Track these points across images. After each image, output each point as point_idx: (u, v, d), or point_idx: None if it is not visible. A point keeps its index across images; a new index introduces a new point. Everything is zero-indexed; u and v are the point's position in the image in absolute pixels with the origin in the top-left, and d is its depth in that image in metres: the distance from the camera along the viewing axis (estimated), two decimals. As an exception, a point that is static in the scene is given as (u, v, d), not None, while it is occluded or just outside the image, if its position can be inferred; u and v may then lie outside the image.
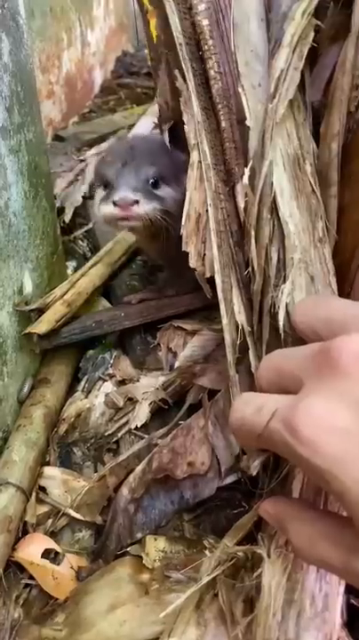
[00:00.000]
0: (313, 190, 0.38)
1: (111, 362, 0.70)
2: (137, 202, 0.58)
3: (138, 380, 0.67)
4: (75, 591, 0.50)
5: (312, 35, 0.38)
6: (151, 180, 0.60)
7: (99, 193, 0.63)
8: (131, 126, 1.27)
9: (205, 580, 0.37)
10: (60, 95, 1.36)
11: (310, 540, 0.29)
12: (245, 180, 0.39)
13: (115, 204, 0.58)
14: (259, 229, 0.39)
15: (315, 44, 0.41)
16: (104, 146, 1.15)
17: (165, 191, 0.60)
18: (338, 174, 0.39)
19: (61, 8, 1.35)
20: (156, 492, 0.57)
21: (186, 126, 0.43)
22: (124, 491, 0.57)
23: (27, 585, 0.52)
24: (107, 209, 0.59)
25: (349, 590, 0.50)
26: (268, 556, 0.33)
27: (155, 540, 0.53)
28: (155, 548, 0.52)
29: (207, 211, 0.41)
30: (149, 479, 0.57)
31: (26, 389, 0.64)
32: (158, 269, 0.78)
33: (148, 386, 0.65)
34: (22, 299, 0.63)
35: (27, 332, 0.62)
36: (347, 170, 0.41)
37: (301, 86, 0.40)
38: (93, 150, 1.12)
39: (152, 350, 0.71)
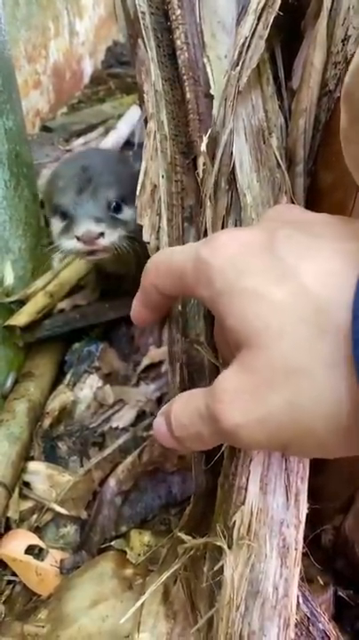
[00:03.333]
0: (278, 164, 0.37)
1: (97, 354, 0.69)
2: (102, 234, 0.52)
3: (136, 385, 0.66)
4: (59, 587, 0.49)
5: (278, 3, 0.37)
6: (113, 205, 0.54)
7: (56, 223, 0.56)
8: (119, 116, 1.25)
9: (164, 576, 0.36)
10: (48, 85, 1.34)
11: (183, 402, 0.29)
12: (203, 147, 0.38)
13: (78, 238, 0.52)
14: (217, 200, 0.38)
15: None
16: (92, 136, 1.13)
17: (128, 213, 0.55)
18: (304, 152, 0.37)
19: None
20: (144, 486, 0.56)
21: (145, 95, 0.41)
22: (112, 482, 0.56)
23: (10, 582, 0.52)
24: (71, 244, 0.53)
25: (338, 582, 0.50)
26: (229, 547, 0.31)
27: (140, 533, 0.52)
28: (140, 542, 0.52)
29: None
30: (139, 472, 0.56)
31: (9, 383, 0.63)
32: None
33: (144, 393, 0.64)
34: (3, 290, 0.62)
35: (6, 324, 0.60)
36: (328, 150, 0.39)
37: (272, 61, 0.39)
38: (81, 140, 1.11)
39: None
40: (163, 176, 0.41)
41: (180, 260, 0.30)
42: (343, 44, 0.38)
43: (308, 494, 0.35)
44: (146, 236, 0.41)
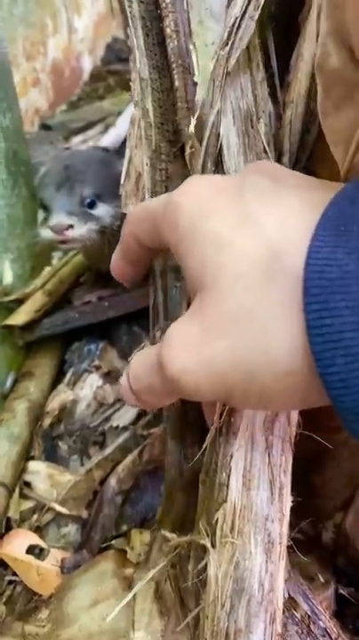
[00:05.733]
0: (264, 150, 0.37)
1: (97, 353, 0.68)
2: (71, 226, 0.58)
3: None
4: (59, 587, 0.49)
5: None
6: (87, 201, 0.60)
7: (40, 214, 0.63)
8: (119, 112, 1.24)
9: (151, 573, 0.36)
10: (47, 83, 1.34)
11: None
12: (191, 129, 0.38)
13: (50, 229, 0.58)
14: None
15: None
16: (91, 133, 1.13)
17: (103, 209, 0.60)
18: (290, 144, 0.37)
19: (45, -7, 1.32)
20: (145, 485, 0.56)
21: (131, 83, 0.42)
22: (112, 481, 0.56)
23: (10, 581, 0.52)
24: (46, 233, 0.59)
25: (339, 580, 0.50)
26: (213, 545, 0.31)
27: (141, 533, 0.52)
28: (141, 541, 0.51)
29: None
30: (139, 471, 0.56)
31: (9, 383, 0.63)
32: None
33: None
34: (2, 290, 0.62)
35: (4, 324, 0.60)
36: (323, 144, 0.39)
37: (264, 49, 0.38)
38: (80, 138, 1.10)
39: (138, 340, 0.69)
40: (147, 164, 0.41)
41: (155, 204, 0.30)
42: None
43: (309, 491, 0.34)
44: None
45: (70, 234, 0.58)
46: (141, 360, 0.29)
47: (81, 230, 0.58)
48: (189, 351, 0.25)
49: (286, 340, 0.23)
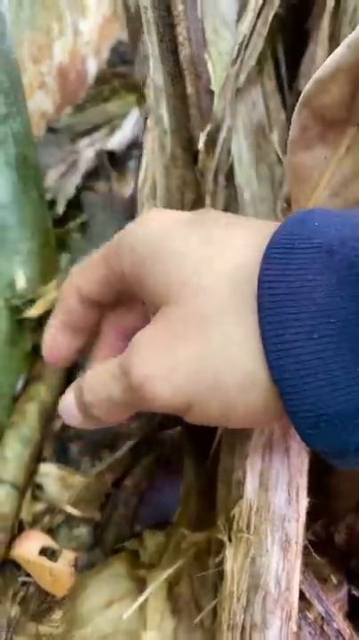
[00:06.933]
0: (279, 160, 0.37)
1: (107, 355, 0.69)
2: None
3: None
4: (73, 587, 0.50)
5: (278, 1, 0.37)
6: None
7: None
8: (125, 115, 1.25)
9: (166, 573, 0.36)
10: (53, 86, 1.34)
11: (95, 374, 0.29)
12: (201, 144, 0.39)
13: None
14: (215, 195, 0.39)
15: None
16: (97, 136, 1.13)
17: None
18: None
19: (51, -4, 1.33)
20: (159, 487, 0.57)
21: (146, 90, 0.43)
22: (128, 482, 0.56)
23: (24, 583, 0.52)
24: None
25: (352, 581, 0.50)
26: (229, 540, 0.31)
27: (154, 534, 0.53)
28: (154, 543, 0.52)
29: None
30: (154, 472, 0.56)
31: (20, 386, 0.63)
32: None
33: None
34: (14, 293, 0.62)
35: (19, 318, 0.61)
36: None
37: (274, 57, 0.39)
38: (86, 140, 1.11)
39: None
40: (161, 171, 0.41)
41: (101, 248, 0.30)
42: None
43: (322, 492, 0.35)
44: None
45: None
46: (99, 371, 0.29)
47: None
48: (157, 357, 0.25)
49: (245, 347, 0.24)
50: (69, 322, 0.32)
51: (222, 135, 0.38)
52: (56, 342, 0.33)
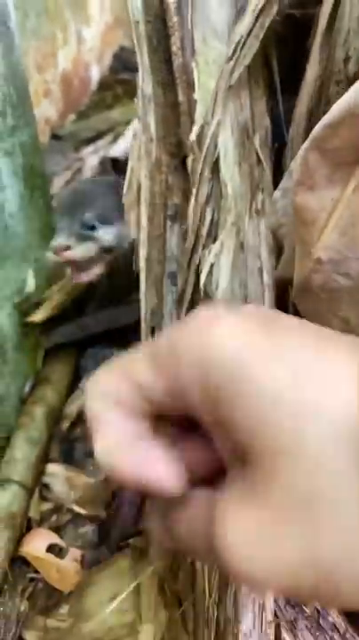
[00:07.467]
0: (259, 161, 0.39)
1: (113, 359, 0.71)
2: (68, 247, 0.61)
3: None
4: (79, 583, 0.52)
5: (276, 7, 0.39)
6: (89, 224, 0.63)
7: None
8: (128, 122, 1.27)
9: (150, 568, 0.38)
10: (57, 94, 1.37)
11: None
12: (192, 136, 0.41)
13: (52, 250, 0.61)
14: (200, 187, 0.40)
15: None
16: (101, 143, 1.15)
17: (105, 231, 0.64)
18: (287, 158, 0.40)
19: (55, 5, 1.35)
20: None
21: (136, 99, 0.45)
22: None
23: (32, 579, 0.54)
24: (50, 255, 0.62)
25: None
26: None
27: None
28: (157, 540, 0.53)
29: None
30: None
31: (27, 388, 0.65)
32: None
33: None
34: (23, 299, 0.65)
35: (25, 321, 0.63)
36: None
37: (266, 66, 0.41)
38: (90, 148, 1.13)
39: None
40: (146, 175, 0.43)
41: (138, 352, 0.21)
42: (344, 64, 0.40)
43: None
44: (132, 233, 0.44)
45: (69, 255, 0.61)
46: (185, 523, 0.23)
47: (79, 251, 0.61)
48: (253, 549, 0.20)
49: None
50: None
51: (212, 128, 0.39)
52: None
